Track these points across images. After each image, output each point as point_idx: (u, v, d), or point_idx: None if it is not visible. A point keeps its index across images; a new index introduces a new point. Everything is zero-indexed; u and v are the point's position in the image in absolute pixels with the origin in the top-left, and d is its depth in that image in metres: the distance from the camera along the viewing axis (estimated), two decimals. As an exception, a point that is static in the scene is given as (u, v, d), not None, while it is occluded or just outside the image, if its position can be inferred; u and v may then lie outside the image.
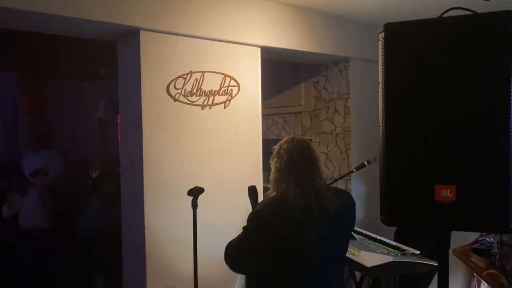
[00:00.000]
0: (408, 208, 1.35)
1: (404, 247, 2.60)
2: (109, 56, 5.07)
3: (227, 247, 1.83)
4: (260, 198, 2.19)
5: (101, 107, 6.17)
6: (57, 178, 5.74)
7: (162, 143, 2.57)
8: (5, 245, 4.99)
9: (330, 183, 2.77)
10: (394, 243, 2.71)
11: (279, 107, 4.25)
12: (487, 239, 2.93)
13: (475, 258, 2.87)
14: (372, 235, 2.89)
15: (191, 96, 2.67)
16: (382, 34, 1.35)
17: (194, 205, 2.14)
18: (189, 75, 2.65)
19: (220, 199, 2.75)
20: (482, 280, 2.78)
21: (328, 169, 3.75)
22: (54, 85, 6.75)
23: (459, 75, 1.26)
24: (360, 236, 2.88)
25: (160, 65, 2.54)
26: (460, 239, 2.96)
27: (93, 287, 4.66)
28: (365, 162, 2.89)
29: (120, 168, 6.31)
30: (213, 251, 2.56)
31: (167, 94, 2.58)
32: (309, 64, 3.82)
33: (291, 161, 1.73)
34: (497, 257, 2.64)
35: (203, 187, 2.35)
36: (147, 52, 2.49)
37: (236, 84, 2.87)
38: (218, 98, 2.80)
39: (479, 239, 3.01)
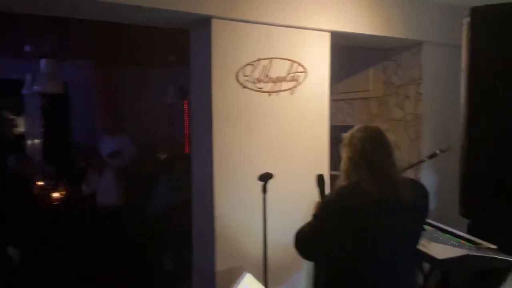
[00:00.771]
0: (491, 199, 1.29)
1: (479, 240, 2.47)
2: (178, 43, 5.24)
3: (297, 234, 1.85)
4: (327, 186, 2.18)
5: (170, 93, 6.43)
6: (131, 159, 6.12)
7: (231, 128, 2.64)
8: (84, 220, 5.42)
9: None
10: (467, 236, 2.58)
11: (345, 92, 4.17)
12: None
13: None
14: (443, 226, 2.77)
15: (258, 83, 2.71)
16: (468, 19, 1.27)
17: (264, 190, 2.18)
18: (258, 62, 2.68)
19: (286, 185, 2.78)
20: None
21: (396, 157, 3.63)
22: (127, 71, 7.12)
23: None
24: (430, 228, 2.78)
25: (230, 53, 2.60)
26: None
27: (163, 263, 4.92)
28: (437, 151, 2.76)
29: (187, 151, 6.56)
30: (279, 236, 2.60)
31: (236, 81, 2.63)
32: (378, 48, 3.70)
33: (364, 150, 1.70)
34: None
35: (272, 172, 2.39)
36: (218, 40, 2.55)
37: (303, 70, 2.86)
38: (285, 85, 2.80)
39: None
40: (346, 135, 1.82)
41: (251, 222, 2.64)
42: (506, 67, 1.22)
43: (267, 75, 2.72)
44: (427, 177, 3.43)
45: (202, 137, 2.71)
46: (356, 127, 1.80)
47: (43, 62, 3.75)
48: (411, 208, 1.68)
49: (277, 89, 2.77)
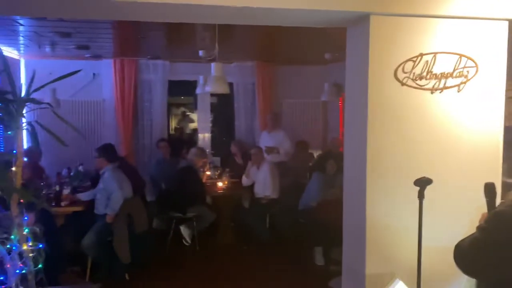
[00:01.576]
0: None
1: None
2: (335, 41, 5.26)
3: (457, 246, 1.70)
4: (498, 197, 1.93)
5: (325, 90, 6.49)
6: (286, 155, 6.40)
7: (386, 128, 2.54)
8: (243, 208, 5.89)
9: None
10: None
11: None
12: None
13: None
14: None
15: (420, 80, 2.54)
16: None
17: (421, 196, 2.06)
18: (419, 57, 2.52)
19: (447, 192, 2.56)
20: None
21: None
22: (285, 70, 7.44)
23: None
24: None
25: (388, 49, 2.50)
26: None
27: (314, 258, 5.03)
28: None
29: (341, 149, 6.54)
30: (436, 244, 2.42)
31: (394, 79, 2.52)
32: None
33: None
34: None
35: (429, 176, 2.24)
36: (376, 36, 2.48)
37: (473, 65, 2.57)
38: (451, 81, 2.57)
39: None
40: None
41: (404, 227, 2.51)
42: None
43: (430, 71, 2.53)
44: None
45: (356, 135, 2.68)
46: None
47: (212, 65, 4.19)
48: None
49: (441, 86, 2.56)
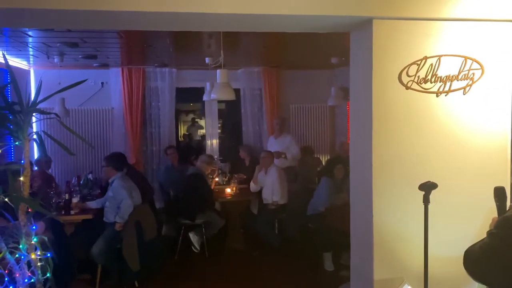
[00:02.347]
0: None
1: None
2: (339, 46, 5.25)
3: (467, 252, 1.67)
4: (508, 201, 1.91)
5: (332, 94, 6.47)
6: (294, 160, 6.38)
7: (391, 131, 2.52)
8: (251, 214, 5.88)
9: None
10: None
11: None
12: None
13: None
14: None
15: (424, 83, 2.52)
16: None
17: (426, 200, 2.04)
18: (424, 60, 2.50)
19: (455, 196, 2.53)
20: None
21: None
22: (291, 75, 7.44)
23: None
24: None
25: (392, 53, 2.49)
26: None
27: (323, 263, 5.00)
28: None
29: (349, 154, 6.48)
30: (445, 250, 2.39)
31: (398, 82, 2.51)
32: None
33: None
34: None
35: (436, 181, 2.22)
36: (379, 40, 2.47)
37: (479, 67, 2.55)
38: (456, 84, 2.54)
39: None
40: None
41: (412, 232, 2.49)
42: None
43: (434, 74, 2.51)
44: None
45: (361, 140, 2.66)
46: None
47: (218, 72, 4.21)
48: None
49: (446, 89, 2.53)
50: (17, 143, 2.46)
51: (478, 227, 2.30)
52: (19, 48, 5.15)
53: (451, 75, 2.53)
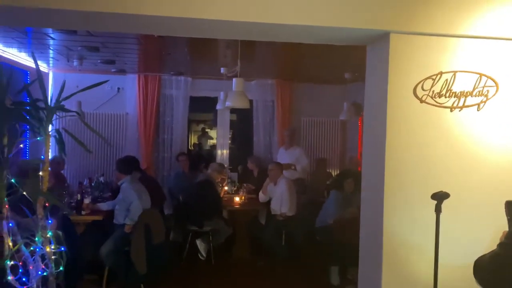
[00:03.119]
0: None
1: None
2: (353, 61, 5.32)
3: (477, 262, 1.70)
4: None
5: (344, 109, 6.52)
6: (303, 172, 6.41)
7: (405, 144, 2.55)
8: (259, 224, 5.89)
9: None
10: None
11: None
12: None
13: None
14: None
15: (439, 98, 2.56)
16: None
17: (438, 209, 2.06)
18: (439, 75, 2.54)
19: (467, 208, 2.54)
20: None
21: None
22: (304, 88, 7.52)
23: None
24: None
25: (408, 67, 2.53)
26: None
27: (329, 277, 4.97)
28: None
29: (359, 168, 6.51)
30: (455, 260, 2.40)
31: (413, 96, 2.55)
32: None
33: None
34: None
35: (449, 192, 2.23)
36: (396, 54, 2.52)
37: (493, 84, 2.58)
38: (471, 100, 2.57)
39: None
40: None
41: (422, 244, 2.50)
42: None
43: (449, 89, 2.55)
44: None
45: (374, 152, 2.69)
46: None
47: (234, 80, 4.29)
48: None
49: (460, 104, 2.57)
50: (38, 138, 2.54)
51: (488, 240, 2.30)
52: (41, 50, 5.30)
53: (465, 91, 2.56)
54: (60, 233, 2.53)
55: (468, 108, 2.58)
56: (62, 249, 2.46)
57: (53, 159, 5.09)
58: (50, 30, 4.25)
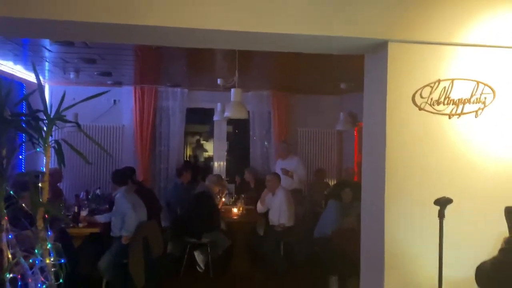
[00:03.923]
0: None
1: None
2: (348, 71, 5.37)
3: (479, 268, 1.71)
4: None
5: (340, 119, 6.55)
6: (300, 183, 6.40)
7: (405, 151, 2.57)
8: (257, 235, 5.85)
9: None
10: None
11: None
12: None
13: None
14: None
15: (437, 105, 2.58)
16: None
17: (441, 215, 2.06)
18: (437, 83, 2.57)
19: (468, 214, 2.55)
20: None
21: None
22: (300, 99, 7.56)
23: None
24: None
25: (406, 75, 2.56)
26: None
27: (328, 287, 4.94)
28: None
29: (355, 178, 6.53)
30: (459, 267, 2.39)
31: (412, 104, 2.57)
32: None
33: None
34: None
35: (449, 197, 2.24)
36: (394, 62, 2.55)
37: (490, 92, 2.61)
38: (469, 107, 2.60)
39: None
40: None
41: (425, 251, 2.50)
42: None
43: (447, 97, 2.58)
44: None
45: (374, 160, 2.70)
46: None
47: (232, 91, 4.30)
48: None
49: (458, 111, 2.59)
50: (37, 149, 2.52)
51: (489, 247, 2.31)
52: (37, 63, 5.29)
53: (463, 98, 2.59)
54: (60, 245, 2.50)
55: (466, 115, 2.60)
56: (62, 261, 2.43)
57: (49, 171, 5.04)
58: (47, 42, 4.25)
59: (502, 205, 2.29)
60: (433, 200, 2.33)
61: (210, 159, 7.91)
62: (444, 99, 2.58)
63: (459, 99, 2.59)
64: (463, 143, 2.60)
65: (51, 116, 2.49)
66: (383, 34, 2.50)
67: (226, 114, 4.45)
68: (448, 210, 2.28)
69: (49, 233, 2.48)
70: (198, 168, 8.03)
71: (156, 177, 7.23)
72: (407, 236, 2.56)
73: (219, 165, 7.61)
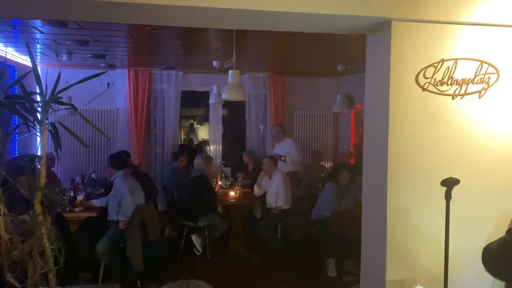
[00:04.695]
0: None
1: None
2: (346, 53, 5.31)
3: (485, 249, 1.69)
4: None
5: (337, 102, 6.51)
6: (294, 164, 6.37)
7: (408, 132, 2.54)
8: (254, 218, 5.86)
9: None
10: None
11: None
12: None
13: None
14: None
15: (441, 86, 2.54)
16: None
17: (448, 196, 2.05)
18: (440, 63, 2.53)
19: (473, 195, 2.54)
20: None
21: None
22: (296, 81, 7.49)
23: None
24: None
25: (410, 55, 2.51)
26: None
27: (326, 269, 4.98)
28: None
29: (351, 160, 6.53)
30: (463, 248, 2.40)
31: (415, 84, 2.53)
32: None
33: None
34: None
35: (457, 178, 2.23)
36: (398, 42, 2.50)
37: (494, 72, 2.58)
38: (472, 87, 2.57)
39: None
40: None
41: (426, 232, 2.50)
42: None
43: (451, 77, 2.54)
44: None
45: (377, 140, 2.68)
46: None
47: (230, 72, 4.22)
48: None
49: (462, 92, 2.56)
50: (37, 133, 2.46)
51: (495, 227, 2.31)
52: (29, 45, 5.15)
53: (467, 78, 2.56)
54: (57, 229, 2.47)
55: (470, 95, 2.57)
56: (61, 245, 2.39)
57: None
58: (38, 23, 4.13)
59: (507, 185, 2.29)
60: (436, 180, 2.32)
61: (205, 142, 7.85)
62: (448, 79, 2.54)
63: (462, 79, 2.55)
64: (467, 124, 2.58)
65: (46, 98, 2.42)
66: (387, 12, 2.44)
67: (224, 96, 4.38)
68: (453, 189, 2.27)
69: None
70: (194, 152, 7.97)
71: (152, 161, 7.17)
72: (409, 216, 2.55)
73: (215, 149, 7.56)
